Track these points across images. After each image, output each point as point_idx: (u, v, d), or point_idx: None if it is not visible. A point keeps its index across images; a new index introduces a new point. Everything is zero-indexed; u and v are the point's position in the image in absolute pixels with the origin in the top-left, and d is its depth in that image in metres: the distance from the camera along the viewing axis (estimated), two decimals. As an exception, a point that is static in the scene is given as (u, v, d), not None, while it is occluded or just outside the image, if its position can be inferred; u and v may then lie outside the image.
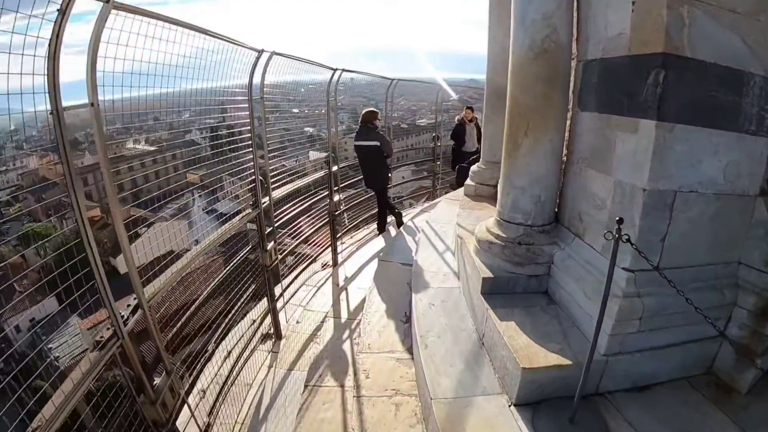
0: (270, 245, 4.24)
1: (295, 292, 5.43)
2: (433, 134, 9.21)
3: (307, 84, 5.47)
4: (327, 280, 5.56)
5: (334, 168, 5.89)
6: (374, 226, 7.66)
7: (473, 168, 5.67)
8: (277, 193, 4.39)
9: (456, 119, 8.82)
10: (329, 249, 6.12)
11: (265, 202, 4.07)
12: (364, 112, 6.05)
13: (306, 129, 6.09)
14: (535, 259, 2.89)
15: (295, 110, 5.91)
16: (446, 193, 9.42)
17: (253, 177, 3.78)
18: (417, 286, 3.62)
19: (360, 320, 4.16)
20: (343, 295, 4.80)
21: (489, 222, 3.20)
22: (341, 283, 5.26)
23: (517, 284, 2.96)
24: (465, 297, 3.41)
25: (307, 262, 5.76)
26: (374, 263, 5.43)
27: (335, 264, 6.04)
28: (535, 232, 2.94)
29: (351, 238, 7.32)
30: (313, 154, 6.10)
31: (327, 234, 6.23)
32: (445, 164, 9.51)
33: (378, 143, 5.96)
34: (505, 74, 5.23)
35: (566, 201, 2.98)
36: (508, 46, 5.09)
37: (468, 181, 5.57)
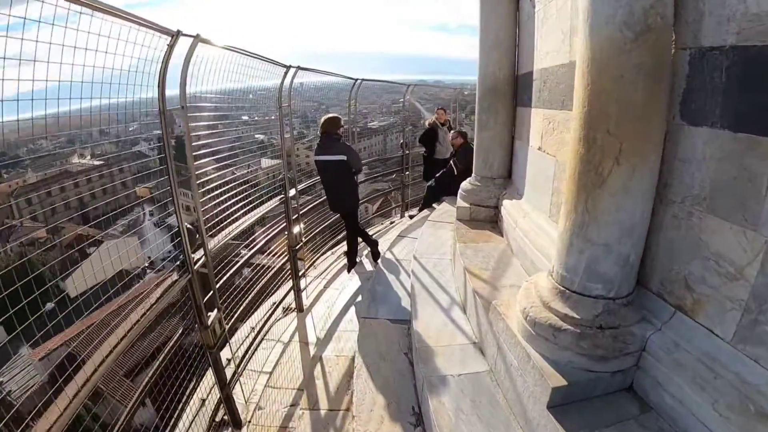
0: (213, 316, 3.00)
1: (253, 353, 4.18)
2: (401, 141, 8.13)
3: (256, 90, 4.22)
4: (293, 335, 4.35)
5: (292, 192, 4.67)
6: (341, 250, 6.52)
7: (464, 185, 4.68)
8: (216, 241, 3.14)
9: (426, 123, 7.80)
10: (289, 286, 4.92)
11: (199, 259, 2.83)
12: (324, 119, 4.81)
13: (257, 136, 4.84)
14: (625, 349, 1.91)
15: (245, 117, 4.64)
16: (413, 206, 8.39)
17: (178, 229, 2.53)
18: (429, 377, 2.51)
19: (346, 413, 3.04)
20: (317, 369, 3.59)
21: (542, 289, 2.17)
22: (312, 346, 4.05)
23: (597, 386, 1.97)
24: (503, 392, 2.37)
25: (265, 317, 4.50)
26: (352, 316, 4.30)
27: (300, 310, 4.85)
28: (619, 307, 1.96)
29: (314, 269, 6.11)
30: (266, 162, 4.82)
31: (285, 270, 5.01)
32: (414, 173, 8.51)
33: (345, 157, 4.78)
34: (505, 66, 4.28)
35: (658, 256, 2.01)
36: (507, 29, 4.09)
37: (460, 202, 4.57)
